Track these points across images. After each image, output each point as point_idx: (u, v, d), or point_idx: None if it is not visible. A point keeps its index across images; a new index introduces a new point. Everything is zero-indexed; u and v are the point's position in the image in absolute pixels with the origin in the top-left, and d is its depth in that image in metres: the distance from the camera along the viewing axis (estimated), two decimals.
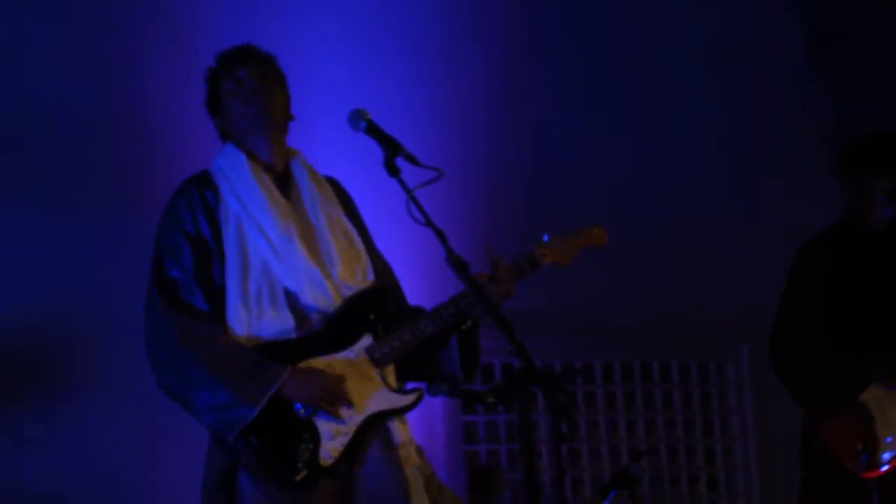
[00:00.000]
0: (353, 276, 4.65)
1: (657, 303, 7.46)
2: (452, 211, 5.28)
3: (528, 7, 7.46)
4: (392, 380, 4.57)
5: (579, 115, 7.50)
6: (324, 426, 4.46)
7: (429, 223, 4.36)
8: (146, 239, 4.66)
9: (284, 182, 4.70)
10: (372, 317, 4.64)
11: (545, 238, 4.72)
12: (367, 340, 4.58)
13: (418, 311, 4.70)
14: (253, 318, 4.54)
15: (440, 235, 4.32)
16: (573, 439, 7.27)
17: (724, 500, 7.89)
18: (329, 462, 4.44)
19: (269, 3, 6.64)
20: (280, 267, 4.54)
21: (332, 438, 4.46)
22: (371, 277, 4.68)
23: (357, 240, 4.73)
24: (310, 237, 4.65)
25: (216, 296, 4.54)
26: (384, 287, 4.74)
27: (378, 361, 4.55)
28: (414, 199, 4.37)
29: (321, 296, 4.56)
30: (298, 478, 4.41)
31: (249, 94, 4.68)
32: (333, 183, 4.80)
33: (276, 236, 4.56)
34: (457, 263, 4.31)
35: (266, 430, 4.42)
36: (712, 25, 7.97)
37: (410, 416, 5.09)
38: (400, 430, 4.60)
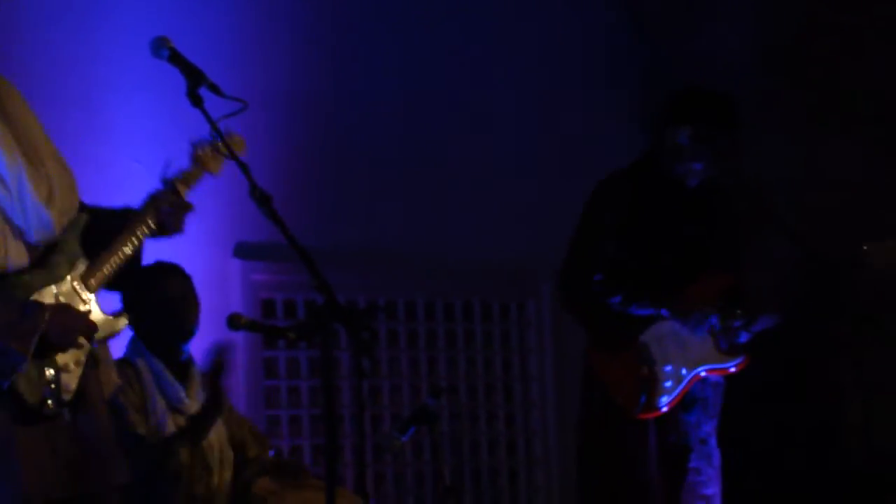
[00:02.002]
0: (72, 199, 4.63)
1: (461, 242, 7.48)
2: (258, 144, 5.13)
3: None
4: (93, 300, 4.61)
5: (382, 48, 7.44)
6: (62, 357, 4.48)
7: (232, 155, 4.41)
8: None
9: None
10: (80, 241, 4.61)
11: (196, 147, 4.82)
12: (82, 266, 4.57)
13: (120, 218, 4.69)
14: None
15: (243, 168, 4.34)
16: (375, 376, 7.31)
17: (521, 437, 7.92)
18: (72, 391, 4.46)
19: None
20: (10, 203, 4.50)
21: (73, 368, 4.48)
22: (78, 199, 4.66)
23: (64, 159, 4.66)
24: (31, 159, 4.55)
25: None
26: (92, 208, 4.71)
27: (92, 287, 4.56)
28: (217, 131, 4.42)
29: (45, 229, 4.52)
30: (50, 411, 4.42)
31: None
32: (10, 86, 4.67)
33: (3, 172, 4.49)
34: (260, 197, 4.34)
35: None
36: None
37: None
38: (102, 352, 4.65)
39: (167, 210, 4.66)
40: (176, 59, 4.51)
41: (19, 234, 4.45)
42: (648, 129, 6.22)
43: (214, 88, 4.44)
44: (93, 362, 4.59)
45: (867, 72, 7.66)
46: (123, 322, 4.62)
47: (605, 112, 8.04)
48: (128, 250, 4.61)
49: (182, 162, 4.82)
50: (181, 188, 4.77)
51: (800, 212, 6.67)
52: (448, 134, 7.55)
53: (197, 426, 5.83)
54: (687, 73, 7.27)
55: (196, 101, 4.44)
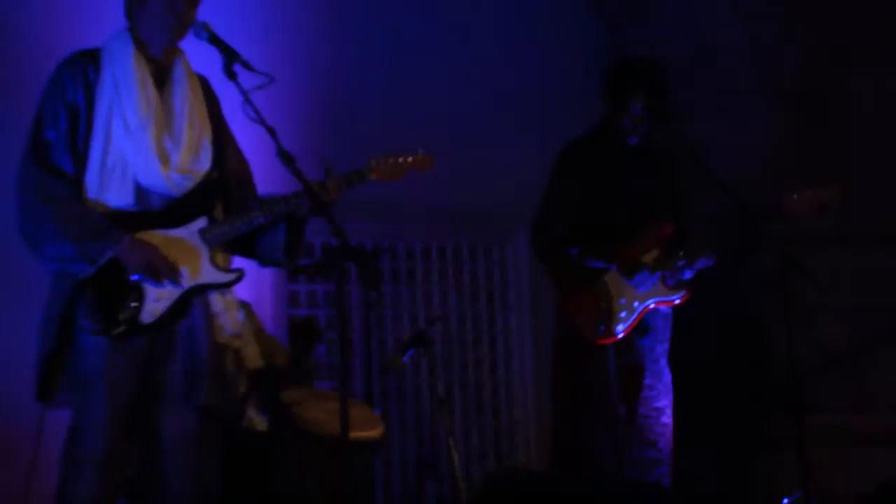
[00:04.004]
0: (191, 163, 4.59)
1: (452, 195, 7.40)
2: (283, 112, 5.23)
3: None
4: (220, 259, 4.59)
5: (396, 29, 7.37)
6: (150, 290, 4.45)
7: (262, 121, 4.39)
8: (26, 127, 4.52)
9: (163, 74, 4.60)
10: (214, 206, 4.60)
11: (374, 159, 4.81)
12: (202, 222, 4.56)
13: (263, 202, 4.68)
14: (104, 187, 4.47)
15: (271, 132, 4.37)
16: (380, 307, 7.24)
17: (502, 358, 7.94)
18: (149, 321, 4.44)
19: None
20: (130, 149, 4.48)
21: (156, 301, 4.45)
22: (206, 166, 4.64)
23: (207, 132, 4.67)
24: (167, 124, 4.57)
25: (80, 161, 4.45)
26: (229, 178, 4.71)
27: (208, 241, 4.55)
28: (249, 100, 4.41)
29: (153, 181, 4.50)
30: (116, 332, 4.39)
31: (177, 13, 4.55)
32: (203, 81, 4.74)
33: (133, 122, 4.48)
34: (285, 157, 4.41)
35: (98, 286, 4.39)
36: None
37: (245, 284, 5.12)
38: (218, 301, 4.62)
39: (305, 205, 4.63)
40: (214, 40, 4.53)
41: (132, 175, 4.48)
42: (603, 97, 6.11)
43: (246, 65, 4.47)
44: (198, 304, 4.54)
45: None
46: (232, 276, 4.61)
47: (573, 81, 7.85)
48: (243, 223, 4.59)
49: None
50: (334, 188, 4.69)
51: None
52: (441, 100, 7.45)
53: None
54: (639, 52, 7.32)
55: (231, 75, 4.47)
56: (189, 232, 4.56)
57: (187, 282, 4.51)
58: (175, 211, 4.54)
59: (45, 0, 5.91)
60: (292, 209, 4.61)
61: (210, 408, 4.56)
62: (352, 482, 5.28)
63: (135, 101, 4.48)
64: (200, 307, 4.56)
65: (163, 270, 4.45)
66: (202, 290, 4.55)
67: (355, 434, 5.01)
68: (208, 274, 4.55)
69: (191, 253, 4.54)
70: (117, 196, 4.47)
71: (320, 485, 5.35)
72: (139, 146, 4.47)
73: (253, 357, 5.32)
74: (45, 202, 4.37)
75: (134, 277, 4.42)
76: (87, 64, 4.51)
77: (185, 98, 4.63)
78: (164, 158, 4.51)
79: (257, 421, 5.59)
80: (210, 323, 4.59)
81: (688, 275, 5.88)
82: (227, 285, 4.65)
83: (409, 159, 4.89)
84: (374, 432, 5.54)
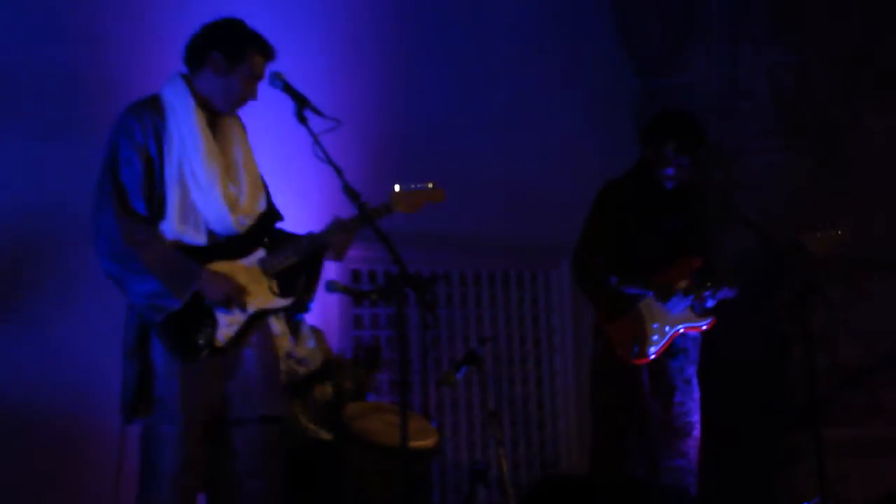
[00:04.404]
0: (253, 207, 4.64)
1: (502, 227, 7.42)
2: (349, 152, 5.28)
3: None
4: (275, 286, 4.64)
5: (434, 76, 7.23)
6: (221, 315, 4.49)
7: (329, 161, 4.45)
8: (97, 161, 4.54)
9: (215, 118, 4.62)
10: (266, 239, 4.65)
11: (396, 188, 4.77)
12: (260, 253, 4.62)
13: (290, 235, 4.72)
14: (180, 232, 4.49)
15: (338, 171, 4.43)
16: (435, 328, 7.14)
17: (546, 375, 7.87)
18: (222, 343, 4.49)
19: None
20: (201, 199, 4.51)
21: (228, 326, 4.50)
22: (264, 207, 4.69)
23: (258, 173, 4.72)
24: (230, 174, 4.59)
25: (155, 205, 4.46)
26: (273, 212, 4.76)
27: (267, 271, 4.61)
28: (318, 142, 4.47)
29: (225, 226, 4.55)
30: (203, 355, 4.45)
31: (249, 90, 4.58)
32: (239, 121, 4.76)
33: (203, 178, 4.50)
34: (351, 193, 4.48)
35: (180, 315, 4.42)
36: (544, 19, 7.81)
37: (314, 308, 5.25)
38: (276, 324, 4.68)
39: (342, 238, 4.67)
40: (287, 89, 4.55)
41: (204, 222, 4.51)
42: (641, 143, 6.15)
43: (316, 110, 4.51)
44: (260, 326, 4.59)
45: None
46: (288, 301, 4.64)
47: (609, 127, 7.89)
48: (296, 255, 4.63)
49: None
50: (373, 218, 4.63)
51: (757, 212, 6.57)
52: (495, 145, 7.47)
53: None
54: (671, 101, 7.26)
55: (302, 120, 4.50)
56: (251, 262, 4.60)
57: (252, 307, 4.55)
58: (237, 244, 4.60)
59: (117, 50, 5.85)
60: (329, 240, 4.62)
61: (271, 418, 4.59)
62: (411, 487, 5.19)
63: (202, 158, 4.48)
64: (261, 329, 4.61)
65: (235, 298, 4.49)
66: (264, 314, 4.61)
67: (414, 443, 4.97)
68: (268, 300, 4.60)
69: (253, 281, 4.57)
70: (191, 238, 4.51)
71: (382, 489, 5.30)
72: (209, 198, 4.50)
73: (321, 395, 5.55)
74: (129, 244, 4.36)
75: (207, 302, 4.46)
76: (153, 115, 4.48)
77: (240, 145, 4.66)
78: (233, 206, 4.55)
79: (323, 432, 5.53)
80: (270, 343, 4.63)
81: (710, 303, 5.89)
82: (284, 310, 4.70)
83: (424, 192, 4.82)
84: (430, 442, 5.51)
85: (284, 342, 4.73)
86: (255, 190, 4.66)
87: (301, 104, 4.53)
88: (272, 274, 4.63)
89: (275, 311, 4.66)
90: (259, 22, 4.82)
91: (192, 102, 4.52)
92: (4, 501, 5.33)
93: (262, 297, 4.59)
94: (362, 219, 4.57)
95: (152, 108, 4.52)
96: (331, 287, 5.54)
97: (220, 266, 4.53)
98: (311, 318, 5.76)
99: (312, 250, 4.66)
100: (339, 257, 4.74)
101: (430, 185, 4.77)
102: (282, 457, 4.76)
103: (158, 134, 4.47)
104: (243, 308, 4.53)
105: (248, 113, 4.79)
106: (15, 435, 5.38)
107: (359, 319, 6.92)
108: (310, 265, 4.74)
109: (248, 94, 4.58)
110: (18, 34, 5.57)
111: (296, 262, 4.66)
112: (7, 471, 5.36)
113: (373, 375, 5.87)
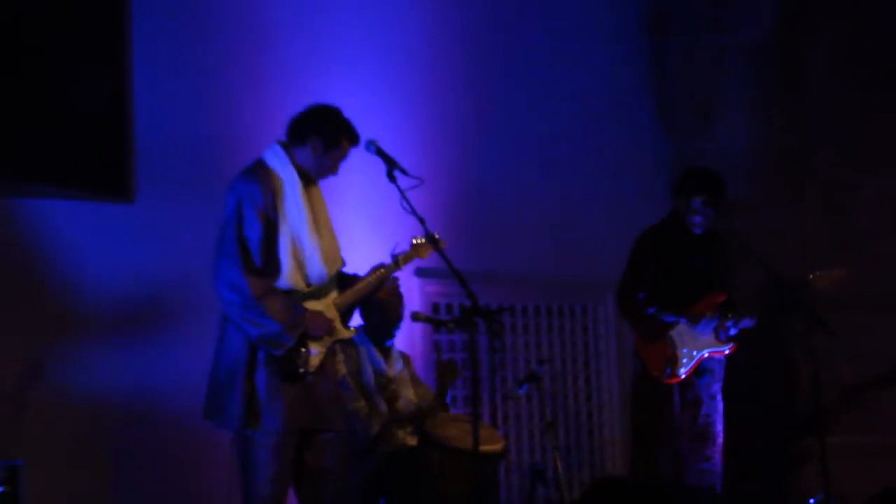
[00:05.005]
0: (337, 261, 4.81)
1: (556, 265, 7.61)
2: (430, 205, 5.35)
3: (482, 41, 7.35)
4: (343, 320, 4.85)
5: (520, 135, 7.48)
6: (313, 345, 4.67)
7: (414, 212, 4.63)
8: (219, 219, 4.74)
9: (307, 184, 4.72)
10: (338, 283, 4.86)
11: (416, 238, 4.92)
12: (334, 294, 4.82)
13: (348, 277, 4.91)
14: (291, 282, 4.64)
15: (421, 220, 4.64)
16: (502, 352, 7.24)
17: (595, 392, 8.01)
18: (313, 368, 4.67)
19: (308, 61, 6.34)
20: (307, 260, 4.66)
21: (316, 353, 4.67)
22: (343, 260, 4.87)
23: (334, 233, 4.84)
24: (323, 234, 4.70)
25: (271, 261, 4.59)
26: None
27: (339, 307, 4.82)
28: (405, 197, 4.65)
29: (321, 278, 4.71)
30: (298, 377, 4.61)
31: (335, 168, 4.79)
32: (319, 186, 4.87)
33: (307, 246, 4.66)
34: (432, 240, 4.76)
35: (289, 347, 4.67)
36: (587, 81, 7.95)
37: (401, 335, 5.77)
38: (338, 351, 4.85)
39: (389, 283, 4.95)
40: (380, 153, 4.72)
41: (305, 277, 4.74)
42: (672, 196, 6.31)
43: (403, 171, 4.68)
44: (332, 351, 4.82)
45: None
46: (352, 331, 4.91)
47: (645, 182, 8.03)
48: (356, 294, 4.88)
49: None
50: (401, 264, 4.94)
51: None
52: (550, 194, 7.61)
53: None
54: (698, 161, 7.29)
55: (392, 179, 4.68)
56: (328, 302, 4.79)
57: (331, 338, 4.78)
58: (322, 288, 4.80)
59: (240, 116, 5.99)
60: (381, 284, 4.83)
61: (343, 431, 4.78)
62: (481, 485, 5.29)
63: (306, 228, 4.64)
64: (332, 356, 4.81)
65: (326, 332, 4.72)
66: (336, 343, 4.82)
67: (484, 447, 5.09)
68: (340, 332, 4.82)
69: (331, 317, 4.77)
70: (296, 286, 4.70)
71: (458, 486, 5.39)
72: (312, 259, 4.68)
73: (410, 397, 5.78)
74: (254, 296, 4.51)
75: (309, 337, 4.70)
76: (270, 181, 4.60)
77: (324, 208, 4.80)
78: (328, 263, 4.75)
79: (409, 439, 5.66)
80: (334, 367, 4.80)
81: (732, 332, 6.07)
82: (349, 340, 4.95)
83: (420, 247, 4.94)
84: (498, 446, 5.60)
85: (342, 366, 4.91)
86: (337, 245, 4.83)
87: (392, 166, 4.70)
88: (342, 309, 4.88)
89: (344, 341, 4.89)
90: (358, 101, 5.06)
91: (296, 177, 4.67)
92: (142, 491, 5.58)
93: (337, 330, 4.82)
94: (394, 266, 4.88)
95: (266, 174, 4.65)
96: (415, 317, 5.71)
97: (314, 305, 4.74)
98: (399, 344, 6.05)
99: (370, 293, 4.90)
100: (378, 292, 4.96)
101: (437, 234, 4.86)
102: (357, 457, 5.06)
103: (276, 203, 4.61)
104: (333, 338, 4.78)
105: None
106: (150, 434, 5.62)
107: (438, 344, 6.99)
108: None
109: (334, 171, 4.79)
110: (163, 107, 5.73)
111: (357, 302, 4.92)
112: (142, 465, 5.60)
113: (449, 386, 5.98)
